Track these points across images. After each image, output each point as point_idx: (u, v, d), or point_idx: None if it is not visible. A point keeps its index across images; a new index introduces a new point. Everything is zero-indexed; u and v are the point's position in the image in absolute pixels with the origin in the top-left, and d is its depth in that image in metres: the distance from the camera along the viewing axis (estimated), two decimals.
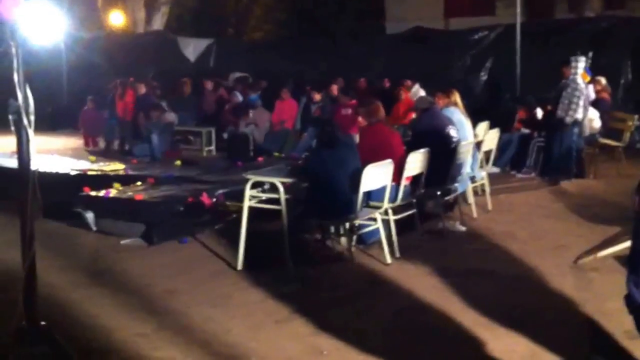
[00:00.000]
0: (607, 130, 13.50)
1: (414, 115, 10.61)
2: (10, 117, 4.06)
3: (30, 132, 4.10)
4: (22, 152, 4.14)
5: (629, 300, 3.59)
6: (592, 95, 12.78)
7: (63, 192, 9.12)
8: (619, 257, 7.18)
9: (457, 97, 10.09)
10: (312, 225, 7.71)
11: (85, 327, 5.60)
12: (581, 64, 11.69)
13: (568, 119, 11.55)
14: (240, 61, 20.80)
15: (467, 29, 19.26)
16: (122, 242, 8.02)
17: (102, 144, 16.98)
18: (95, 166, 11.69)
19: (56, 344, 4.29)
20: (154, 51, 21.87)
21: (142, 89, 15.61)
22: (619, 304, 5.70)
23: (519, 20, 16.39)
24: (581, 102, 11.54)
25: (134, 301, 6.21)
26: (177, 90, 17.26)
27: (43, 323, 4.31)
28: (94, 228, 8.56)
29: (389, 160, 7.29)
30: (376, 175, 7.14)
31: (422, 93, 13.79)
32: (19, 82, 4.03)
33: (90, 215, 8.56)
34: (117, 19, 28.24)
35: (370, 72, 18.15)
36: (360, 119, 8.33)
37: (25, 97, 4.05)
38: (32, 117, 4.09)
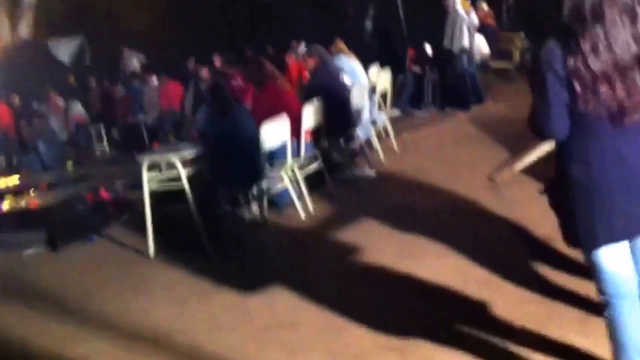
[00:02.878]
0: (498, 53, 13.77)
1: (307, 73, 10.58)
2: None
3: None
4: None
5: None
6: (476, 22, 12.97)
7: None
8: (526, 170, 7.34)
9: (341, 45, 10.11)
10: (220, 197, 7.61)
11: None
12: None
13: (455, 49, 11.71)
14: (117, 55, 20.34)
15: None
16: (25, 252, 7.77)
17: None
18: None
19: None
20: (27, 60, 21.15)
21: (16, 100, 15.31)
22: (532, 212, 5.94)
23: None
24: (465, 30, 11.70)
25: (48, 308, 6.01)
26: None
27: None
28: None
29: (284, 114, 7.27)
30: (274, 132, 7.11)
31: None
32: None
33: None
34: None
35: (256, 41, 17.99)
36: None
37: None
38: None
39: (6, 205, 8.71)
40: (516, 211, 6.35)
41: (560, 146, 3.30)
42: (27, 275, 7.14)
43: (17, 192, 9.43)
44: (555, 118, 3.17)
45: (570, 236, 3.38)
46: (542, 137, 3.36)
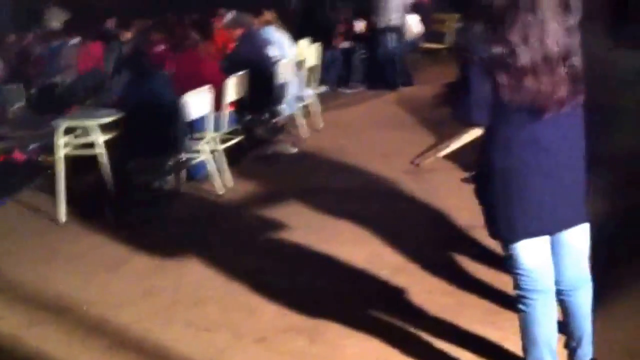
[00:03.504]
0: (430, 34, 13.89)
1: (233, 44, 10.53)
2: None
3: None
4: None
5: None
6: None
7: None
8: (450, 156, 7.50)
9: (270, 15, 10.08)
10: (136, 165, 7.57)
11: None
12: None
13: (382, 25, 11.76)
14: (40, 10, 19.88)
15: None
16: None
17: None
18: None
19: None
20: None
21: None
22: (454, 200, 6.08)
23: None
24: (395, 7, 11.75)
25: None
26: None
27: None
28: None
29: (207, 87, 7.27)
30: (195, 103, 7.10)
31: None
32: None
33: None
34: None
35: (177, 6, 17.70)
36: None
37: None
38: None
39: None
40: (438, 198, 6.49)
41: (484, 134, 3.30)
42: None
43: None
44: (474, 104, 3.13)
45: (491, 227, 3.39)
46: (461, 122, 3.39)
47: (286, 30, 10.34)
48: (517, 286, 3.40)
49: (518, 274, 3.36)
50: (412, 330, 4.30)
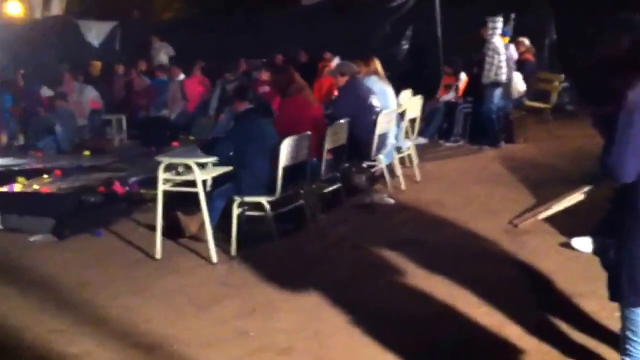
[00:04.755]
0: (534, 92, 13.76)
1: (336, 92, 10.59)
2: None
3: None
4: None
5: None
6: (515, 57, 12.96)
7: None
8: (549, 219, 7.39)
9: (377, 65, 10.11)
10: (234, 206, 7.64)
11: None
12: (499, 24, 11.81)
13: (488, 81, 11.69)
14: (149, 43, 20.45)
15: None
16: (31, 238, 7.82)
17: (4, 139, 16.45)
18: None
19: None
20: (55, 37, 21.28)
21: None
22: (553, 264, 5.95)
23: None
24: (503, 64, 11.67)
25: (46, 297, 6.11)
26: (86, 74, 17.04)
27: None
28: (0, 226, 8.36)
29: (308, 132, 7.32)
30: (296, 148, 7.16)
31: None
32: None
33: None
34: (14, 7, 27.46)
35: (287, 47, 17.99)
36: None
37: None
38: None
39: (18, 186, 8.82)
40: (535, 261, 6.31)
41: (633, 194, 3.27)
42: (30, 260, 7.22)
43: (30, 174, 9.55)
44: (629, 160, 3.14)
45: (623, 289, 3.35)
46: (610, 177, 3.30)
47: (391, 79, 10.39)
48: (626, 354, 3.40)
49: (635, 341, 3.34)
50: None
